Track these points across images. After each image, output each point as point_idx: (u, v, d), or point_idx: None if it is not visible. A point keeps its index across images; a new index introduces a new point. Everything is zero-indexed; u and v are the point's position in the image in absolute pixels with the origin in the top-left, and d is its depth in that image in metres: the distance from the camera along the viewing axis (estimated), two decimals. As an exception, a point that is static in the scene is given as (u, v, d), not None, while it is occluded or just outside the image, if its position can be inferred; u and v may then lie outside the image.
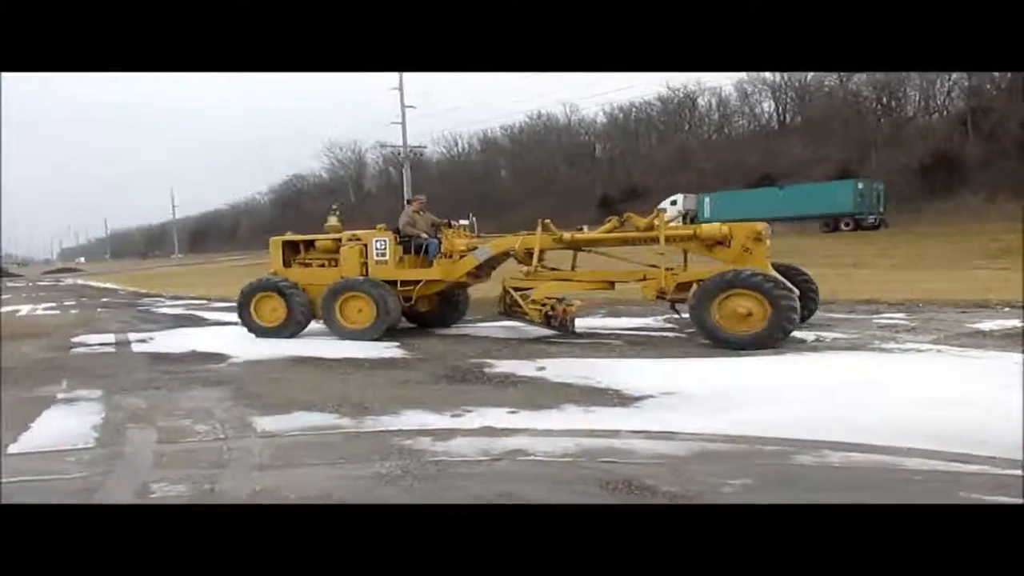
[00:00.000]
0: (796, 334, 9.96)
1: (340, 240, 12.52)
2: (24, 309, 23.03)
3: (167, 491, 4.57)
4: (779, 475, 4.51)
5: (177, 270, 57.25)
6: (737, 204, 38.08)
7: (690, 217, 37.67)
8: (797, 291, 9.85)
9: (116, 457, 5.41)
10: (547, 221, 11.32)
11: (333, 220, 13.07)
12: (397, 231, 12.39)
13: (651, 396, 6.78)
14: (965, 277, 16.67)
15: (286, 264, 12.89)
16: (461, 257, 11.84)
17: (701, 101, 64.68)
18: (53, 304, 25.09)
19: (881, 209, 39.46)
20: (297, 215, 68.98)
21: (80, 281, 50.19)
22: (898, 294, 14.01)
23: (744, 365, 8.24)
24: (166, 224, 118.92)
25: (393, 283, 11.97)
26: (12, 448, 5.77)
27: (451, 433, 5.76)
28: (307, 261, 12.93)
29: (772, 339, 9.15)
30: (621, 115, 68.82)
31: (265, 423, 6.30)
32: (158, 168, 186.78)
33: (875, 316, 11.71)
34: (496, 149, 78.79)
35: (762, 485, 4.32)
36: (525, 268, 11.30)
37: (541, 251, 11.32)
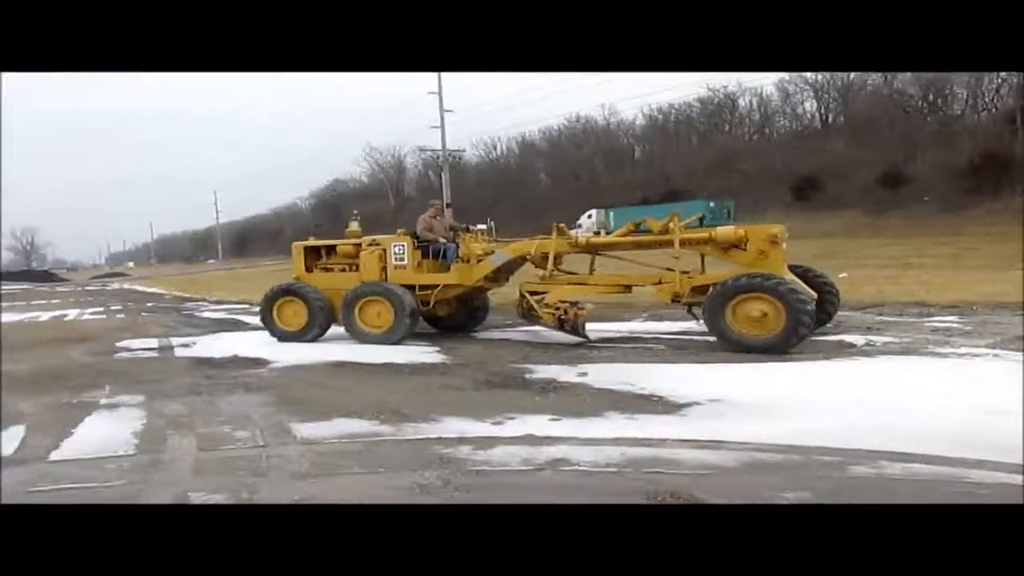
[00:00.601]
0: (845, 338, 9.75)
1: (360, 245, 12.64)
2: (72, 313, 23.43)
3: (205, 500, 4.52)
4: (836, 487, 4.31)
5: (220, 274, 57.94)
6: (632, 217, 40.70)
7: (604, 229, 38.90)
8: (814, 293, 9.80)
9: (156, 465, 5.38)
10: (562, 225, 11.36)
11: (354, 226, 13.33)
12: (416, 236, 12.46)
13: (697, 403, 6.61)
14: (1016, 279, 16.18)
15: (308, 269, 13.11)
16: (478, 261, 11.88)
17: (742, 102, 63.86)
18: (100, 308, 25.48)
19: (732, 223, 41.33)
20: (338, 219, 69.44)
21: (126, 286, 51.07)
22: (949, 296, 13.63)
23: (793, 371, 8.04)
24: (210, 229, 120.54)
25: (411, 287, 12.04)
26: (54, 455, 5.79)
27: (492, 441, 5.64)
28: (329, 266, 13.11)
29: (788, 341, 9.04)
30: (660, 117, 68.22)
31: (305, 430, 6.24)
32: (202, 173, 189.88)
33: (927, 319, 11.37)
34: (534, 152, 78.52)
35: (819, 498, 4.12)
36: (540, 272, 11.31)
37: (556, 255, 11.26)
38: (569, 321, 10.63)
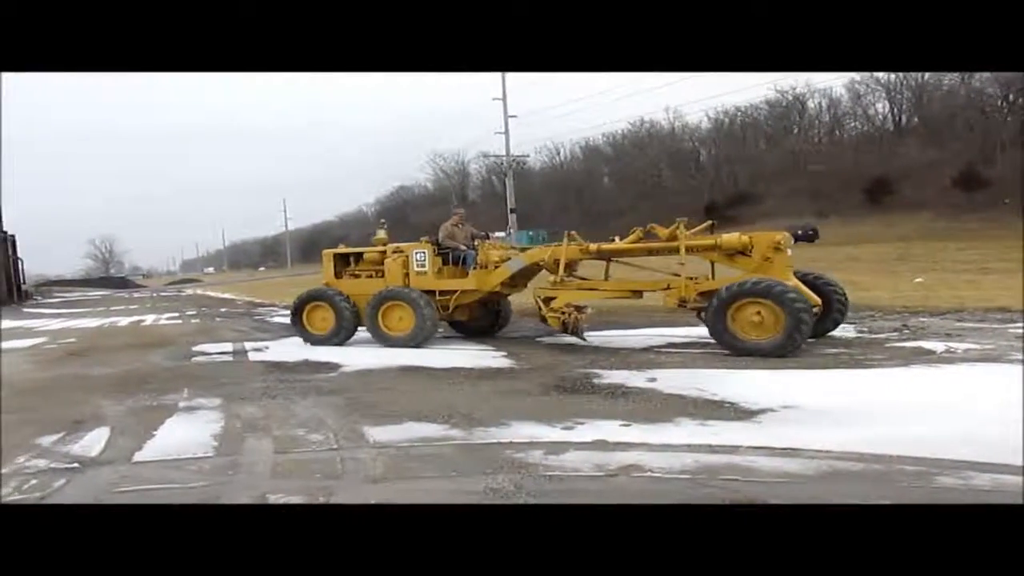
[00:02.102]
0: (924, 344, 9.47)
1: (385, 252, 13.21)
2: (149, 319, 24.15)
3: (284, 502, 4.60)
4: (923, 498, 4.18)
5: (290, 280, 59.00)
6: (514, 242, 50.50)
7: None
8: (818, 299, 10.23)
9: (234, 466, 5.50)
10: (573, 232, 11.88)
11: (381, 233, 13.87)
12: (437, 243, 12.98)
13: (771, 409, 6.49)
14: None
15: (337, 275, 13.71)
16: (495, 268, 12.37)
17: (811, 103, 62.59)
18: (175, 314, 26.19)
19: None
20: (403, 224, 70.13)
21: (199, 291, 52.41)
22: (1033, 302, 13.09)
23: (869, 378, 7.84)
24: (279, 236, 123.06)
25: (432, 293, 12.53)
26: (138, 456, 5.96)
27: (563, 446, 5.62)
28: (356, 272, 13.67)
29: (787, 344, 9.37)
30: (727, 120, 67.28)
31: (377, 433, 6.31)
32: (271, 182, 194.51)
33: (1010, 325, 10.96)
34: (598, 157, 78.16)
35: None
36: (552, 278, 11.73)
37: (569, 261, 11.72)
38: (570, 324, 11.10)
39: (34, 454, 6.09)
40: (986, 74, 48.22)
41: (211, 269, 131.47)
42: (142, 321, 23.24)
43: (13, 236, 43.86)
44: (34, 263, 66.19)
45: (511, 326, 14.22)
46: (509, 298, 13.76)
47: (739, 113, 65.91)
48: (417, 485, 4.95)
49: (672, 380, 8.07)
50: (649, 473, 4.88)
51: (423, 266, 12.77)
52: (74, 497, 4.95)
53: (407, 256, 12.92)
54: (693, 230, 10.89)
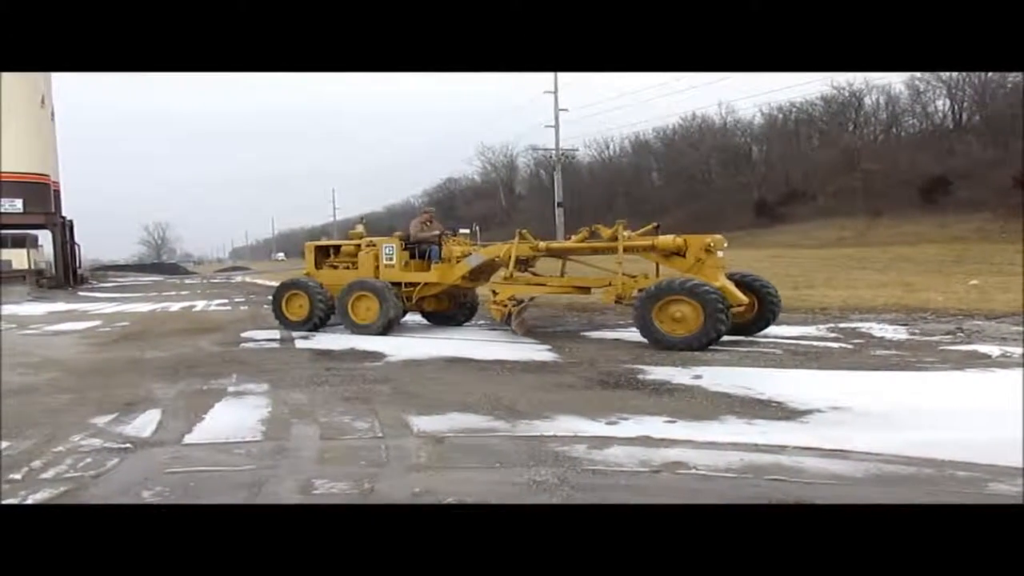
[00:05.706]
0: (979, 348, 9.24)
1: (360, 246, 14.16)
2: (199, 304, 24.61)
3: (329, 488, 4.66)
4: (975, 504, 4.09)
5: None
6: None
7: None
8: (744, 298, 10.84)
9: (281, 451, 5.57)
10: (524, 231, 12.89)
11: (359, 228, 15.13)
12: (406, 238, 13.93)
13: (818, 410, 6.39)
14: None
15: (317, 266, 14.76)
16: (457, 262, 13.31)
17: (868, 100, 61.10)
18: (225, 300, 26.64)
19: None
20: (450, 217, 70.30)
21: (248, 279, 53.19)
22: (1095, 307, 12.71)
23: (922, 381, 7.69)
24: (327, 225, 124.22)
25: (398, 284, 13.52)
26: (188, 438, 6.08)
27: (607, 441, 5.60)
28: (335, 264, 14.69)
29: (705, 338, 9.96)
30: (780, 116, 66.04)
31: (421, 423, 6.35)
32: (321, 172, 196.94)
33: (1070, 330, 10.65)
34: (648, 151, 77.34)
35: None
36: (502, 273, 12.77)
37: (521, 258, 12.66)
38: (504, 316, 12.45)
39: (89, 433, 6.24)
40: (1051, 72, 46.81)
41: (280, 255, 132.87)
42: (193, 307, 23.69)
43: (71, 221, 44.87)
44: (90, 248, 67.77)
45: (557, 320, 14.23)
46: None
47: (794, 109, 64.68)
48: (461, 475, 4.97)
49: (718, 377, 8.01)
50: (694, 470, 4.84)
51: (391, 259, 13.73)
52: (123, 478, 5.06)
53: (378, 250, 13.88)
54: (638, 231, 11.66)
